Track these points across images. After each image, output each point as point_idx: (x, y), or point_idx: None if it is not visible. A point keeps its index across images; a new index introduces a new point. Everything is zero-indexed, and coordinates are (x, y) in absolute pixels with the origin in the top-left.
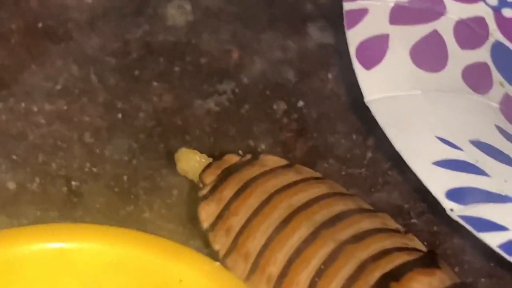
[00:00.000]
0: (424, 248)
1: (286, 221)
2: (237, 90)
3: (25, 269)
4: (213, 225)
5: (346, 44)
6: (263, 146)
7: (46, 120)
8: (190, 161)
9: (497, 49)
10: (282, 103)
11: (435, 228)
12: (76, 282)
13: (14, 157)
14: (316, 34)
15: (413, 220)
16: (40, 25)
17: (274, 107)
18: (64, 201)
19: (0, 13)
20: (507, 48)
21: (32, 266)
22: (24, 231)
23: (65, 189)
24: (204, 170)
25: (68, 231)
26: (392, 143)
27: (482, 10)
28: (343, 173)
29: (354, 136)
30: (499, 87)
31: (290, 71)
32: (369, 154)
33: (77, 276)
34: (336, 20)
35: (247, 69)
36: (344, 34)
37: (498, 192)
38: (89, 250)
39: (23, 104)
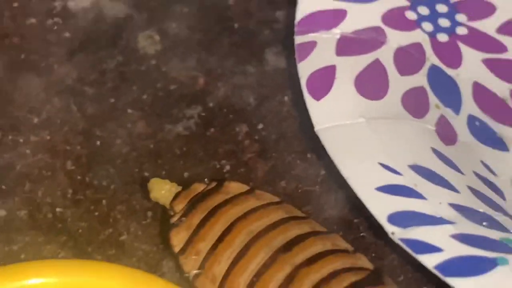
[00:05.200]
0: (370, 266)
1: (246, 247)
2: (203, 114)
3: None
4: (183, 250)
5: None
6: (228, 167)
7: (32, 150)
8: (161, 190)
9: (433, 72)
10: (244, 126)
11: (383, 240)
12: None
13: (3, 187)
14: (273, 59)
15: (362, 234)
16: (23, 57)
17: (237, 129)
18: (49, 227)
19: None
20: (442, 70)
21: None
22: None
23: (50, 215)
24: (174, 199)
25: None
26: (339, 170)
27: (419, 37)
28: (299, 191)
29: (309, 155)
30: (435, 109)
31: (250, 95)
32: (322, 172)
33: None
34: (290, 45)
35: (212, 94)
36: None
37: (433, 214)
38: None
39: (10, 137)
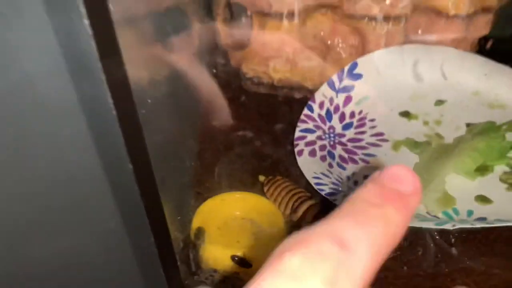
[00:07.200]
0: (309, 195)
1: (283, 194)
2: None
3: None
4: (267, 191)
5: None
6: (278, 174)
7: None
8: (261, 177)
9: (328, 152)
10: (281, 165)
11: (312, 187)
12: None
13: (214, 146)
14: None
15: (307, 188)
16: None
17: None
18: (218, 186)
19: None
20: (331, 151)
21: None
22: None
23: (225, 183)
24: (264, 180)
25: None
26: (304, 174)
27: (324, 142)
28: (292, 179)
29: (296, 169)
30: (328, 159)
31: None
32: (299, 172)
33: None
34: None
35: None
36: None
37: (322, 182)
38: (247, 199)
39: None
